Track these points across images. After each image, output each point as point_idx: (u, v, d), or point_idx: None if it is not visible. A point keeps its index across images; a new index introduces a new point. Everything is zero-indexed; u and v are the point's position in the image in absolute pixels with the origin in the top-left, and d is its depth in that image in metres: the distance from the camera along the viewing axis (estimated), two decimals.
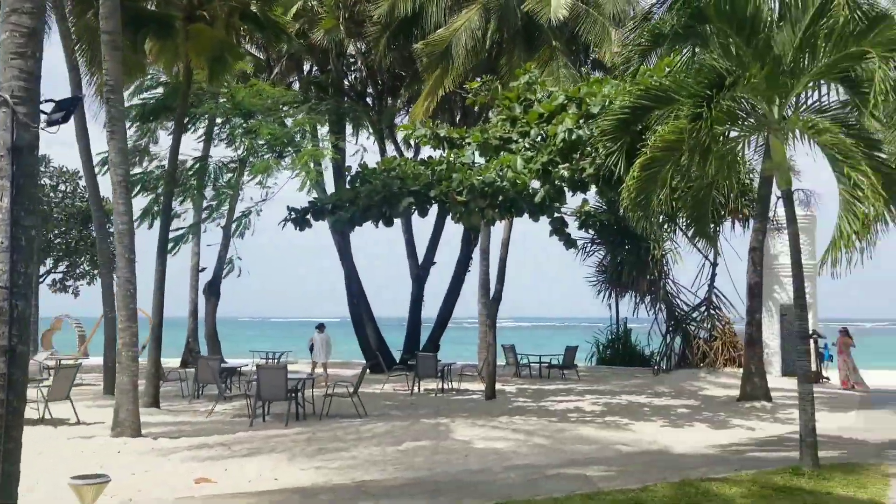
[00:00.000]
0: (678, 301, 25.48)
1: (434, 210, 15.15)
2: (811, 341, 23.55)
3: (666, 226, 24.28)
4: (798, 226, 10.36)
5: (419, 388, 18.60)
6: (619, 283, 25.64)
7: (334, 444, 10.97)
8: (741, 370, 23.44)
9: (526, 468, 9.48)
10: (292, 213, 15.06)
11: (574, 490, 8.08)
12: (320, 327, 20.98)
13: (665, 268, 25.26)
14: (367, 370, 16.68)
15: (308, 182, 18.51)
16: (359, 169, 15.45)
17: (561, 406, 15.67)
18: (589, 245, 25.69)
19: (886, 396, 18.86)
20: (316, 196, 17.99)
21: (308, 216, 15.02)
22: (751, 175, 25.32)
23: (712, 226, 24.97)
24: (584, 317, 30.87)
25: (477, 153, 14.05)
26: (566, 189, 13.99)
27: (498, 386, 19.77)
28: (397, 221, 27.34)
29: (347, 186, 15.66)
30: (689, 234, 12.12)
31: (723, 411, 15.03)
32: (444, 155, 14.81)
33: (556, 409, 15.25)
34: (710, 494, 7.83)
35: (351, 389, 13.74)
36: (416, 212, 13.94)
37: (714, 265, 25.29)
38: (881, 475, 8.76)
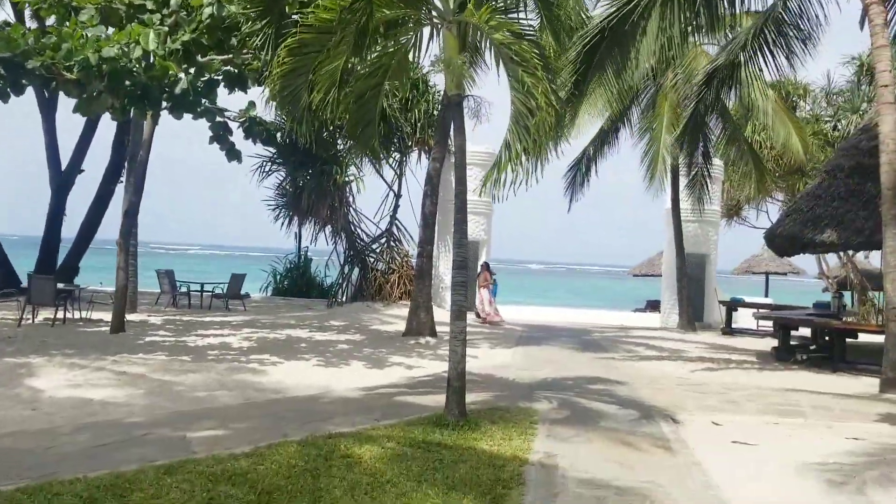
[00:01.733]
0: (359, 231, 24.29)
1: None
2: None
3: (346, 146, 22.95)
4: (468, 158, 9.52)
5: (34, 318, 15.11)
6: (298, 208, 23.66)
7: None
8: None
9: (108, 427, 7.17)
10: None
11: (156, 459, 5.99)
12: None
13: (348, 195, 23.85)
14: None
15: None
16: None
17: (205, 342, 13.41)
18: (268, 164, 23.29)
19: (550, 332, 19.41)
20: None
21: None
22: (438, 105, 24.82)
23: (396, 154, 24.42)
24: (271, 247, 28.26)
25: (98, 21, 10.91)
26: (222, 83, 11.53)
27: (142, 317, 16.96)
28: (37, 116, 22.72)
29: None
30: (352, 143, 10.40)
31: (386, 347, 13.90)
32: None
33: (196, 345, 12.96)
34: (335, 456, 6.23)
35: None
36: (9, 89, 10.51)
37: (398, 196, 24.45)
38: (528, 422, 7.89)
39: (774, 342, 18.88)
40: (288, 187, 23.63)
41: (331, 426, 7.40)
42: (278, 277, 27.93)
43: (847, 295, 32.66)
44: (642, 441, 7.48)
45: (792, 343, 15.69)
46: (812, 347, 14.49)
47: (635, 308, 39.69)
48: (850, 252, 27.63)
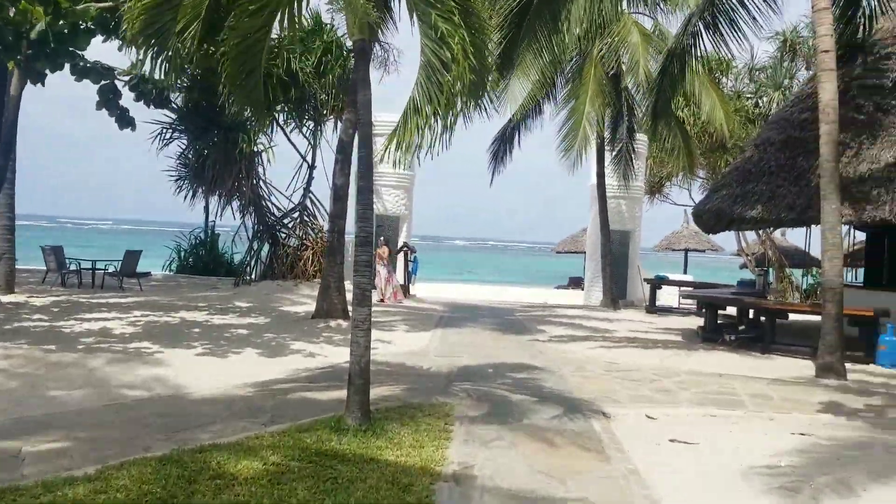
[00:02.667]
0: (269, 204, 22.73)
1: None
2: (402, 255, 22.78)
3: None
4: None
5: None
6: (202, 179, 21.91)
7: None
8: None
9: None
10: None
11: None
12: None
13: (258, 166, 22.25)
14: None
15: None
16: None
17: (83, 328, 11.85)
18: (168, 131, 21.43)
19: (473, 312, 18.46)
20: None
21: None
22: None
23: (310, 123, 22.88)
24: (184, 222, 26.35)
25: None
26: (94, 29, 9.94)
27: (21, 298, 15.16)
28: None
29: None
30: (234, 98, 9.04)
31: (291, 332, 12.64)
32: None
33: (71, 332, 11.40)
34: (202, 477, 5.03)
35: None
36: None
37: (311, 167, 22.97)
38: (444, 423, 6.84)
39: (699, 321, 18.45)
40: (191, 157, 21.86)
41: (206, 435, 6.18)
42: (182, 254, 26.14)
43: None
44: (573, 443, 6.53)
45: (719, 322, 15.19)
46: (741, 328, 13.98)
47: (558, 285, 39.33)
48: (770, 229, 27.73)
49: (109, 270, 19.07)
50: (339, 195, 13.96)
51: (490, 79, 7.91)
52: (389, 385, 8.58)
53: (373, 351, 11.24)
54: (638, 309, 21.92)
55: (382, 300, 19.34)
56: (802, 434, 7.27)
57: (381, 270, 19.54)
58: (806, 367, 11.53)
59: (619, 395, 8.63)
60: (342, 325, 13.63)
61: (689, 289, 24.17)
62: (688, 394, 8.94)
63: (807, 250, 35.81)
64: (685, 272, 34.98)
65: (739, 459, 6.32)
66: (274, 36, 21.48)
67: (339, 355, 10.66)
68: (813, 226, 13.83)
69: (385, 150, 6.55)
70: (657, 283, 21.64)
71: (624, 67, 20.05)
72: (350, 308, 14.16)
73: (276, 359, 10.16)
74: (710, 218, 15.46)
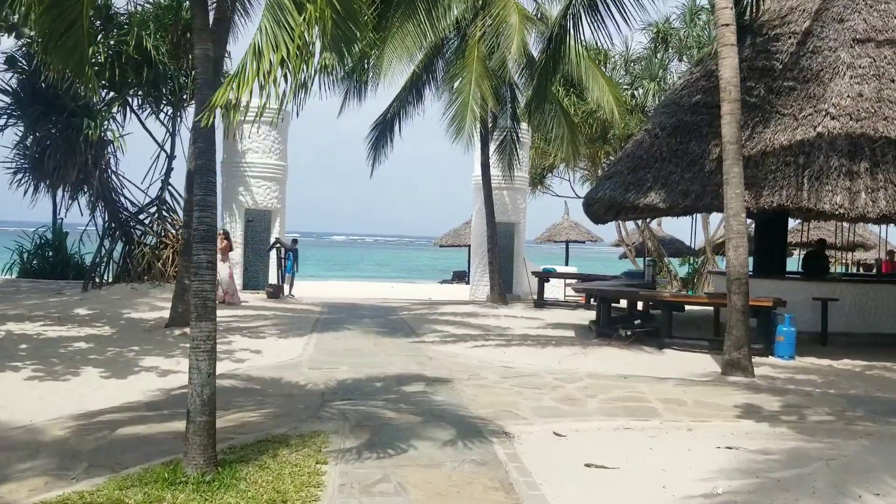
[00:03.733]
0: (123, 199, 20.41)
1: None
2: (273, 251, 21.04)
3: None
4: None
5: None
6: (43, 171, 19.33)
7: None
8: None
9: None
10: None
11: None
12: None
13: (108, 156, 19.89)
14: None
15: None
16: None
17: None
18: (2, 116, 18.72)
19: (353, 312, 17.02)
20: None
21: None
22: None
23: (169, 109, 20.70)
24: (26, 220, 23.29)
25: None
26: None
27: None
28: None
29: None
30: (51, 60, 7.29)
31: (140, 344, 10.83)
32: None
33: None
34: None
35: None
36: None
37: (170, 157, 20.84)
38: (314, 461, 5.47)
39: (589, 315, 17.84)
40: (29, 146, 19.25)
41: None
42: (25, 256, 23.25)
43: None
44: (475, 479, 5.32)
45: (612, 316, 14.50)
46: (637, 322, 13.31)
47: (442, 280, 38.44)
48: (647, 220, 27.83)
49: None
50: (193, 185, 12.18)
51: (361, 37, 6.56)
52: (251, 409, 7.11)
53: (236, 364, 9.70)
54: (526, 303, 21.17)
55: (223, 300, 16.95)
56: (729, 448, 6.39)
57: (223, 269, 17.01)
58: (706, 362, 10.90)
59: (521, 408, 7.53)
60: None
61: (575, 281, 23.76)
62: (595, 402, 7.96)
63: (688, 240, 36.63)
64: (566, 264, 34.86)
65: (670, 487, 5.32)
66: (122, 12, 19.31)
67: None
68: (710, 213, 13.33)
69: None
70: (545, 276, 20.96)
71: (506, 52, 19.18)
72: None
73: (116, 380, 8.43)
74: (600, 207, 14.78)
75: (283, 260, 20.73)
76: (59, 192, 20.86)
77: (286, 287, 20.56)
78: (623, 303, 15.88)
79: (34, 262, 23.24)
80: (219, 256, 17.01)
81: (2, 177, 19.32)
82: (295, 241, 22.26)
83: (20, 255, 23.14)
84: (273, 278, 20.93)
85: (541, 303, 20.00)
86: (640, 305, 16.08)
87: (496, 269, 20.55)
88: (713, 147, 13.24)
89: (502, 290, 20.53)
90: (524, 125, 23.92)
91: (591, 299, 18.69)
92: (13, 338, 11.00)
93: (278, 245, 20.72)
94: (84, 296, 17.63)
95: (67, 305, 15.52)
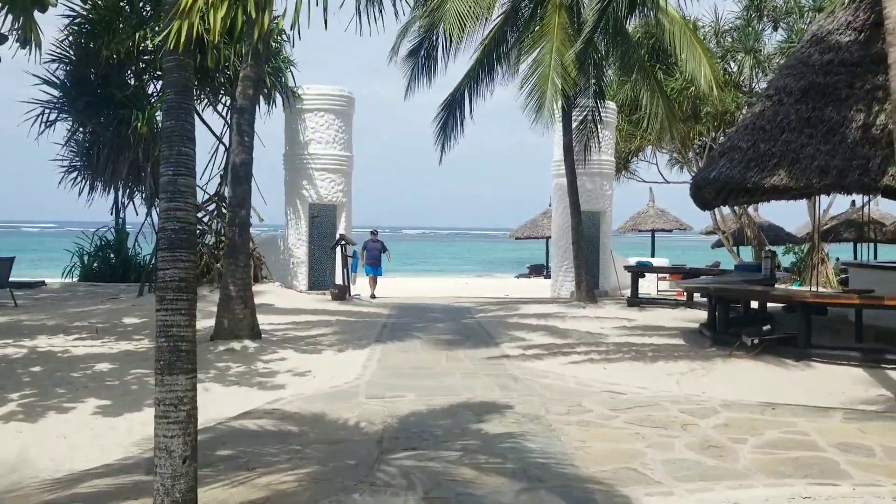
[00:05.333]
0: None
1: None
2: (339, 248, 19.42)
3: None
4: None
5: None
6: (95, 167, 18.16)
7: None
8: (255, 285, 18.33)
9: None
10: None
11: None
12: None
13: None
14: None
15: None
16: None
17: None
18: (50, 111, 17.58)
19: (424, 314, 15.22)
20: None
21: None
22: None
23: (226, 99, 19.24)
24: (94, 220, 22.28)
25: None
26: None
27: None
28: None
29: None
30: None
31: None
32: None
33: None
34: None
35: None
36: None
37: (229, 150, 19.33)
38: None
39: (693, 314, 15.58)
40: (79, 142, 18.13)
41: None
42: (86, 258, 22.37)
43: (746, 251, 30.57)
44: None
45: (731, 317, 12.22)
46: (765, 327, 11.02)
47: (518, 274, 36.38)
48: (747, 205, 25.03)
49: None
50: (238, 176, 10.54)
51: None
52: (283, 468, 5.30)
53: (277, 393, 7.92)
54: (617, 301, 18.95)
55: None
56: None
57: None
58: (865, 381, 8.62)
59: (649, 464, 5.49)
60: (249, 347, 10.27)
61: (666, 276, 21.38)
62: (747, 451, 5.84)
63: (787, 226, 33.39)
64: (653, 254, 32.36)
65: None
66: None
67: (227, 402, 7.38)
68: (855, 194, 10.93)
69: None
70: (639, 270, 18.65)
71: (588, 14, 16.99)
72: (271, 317, 10.86)
73: (122, 417, 6.78)
74: (711, 190, 12.51)
75: (347, 258, 19.08)
76: (116, 190, 19.76)
77: (352, 287, 18.93)
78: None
79: (95, 264, 22.39)
80: None
81: (58, 175, 17.98)
82: (375, 232, 20.68)
83: (80, 258, 22.30)
84: (339, 278, 19.33)
85: (635, 301, 17.75)
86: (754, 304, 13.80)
87: (582, 263, 18.39)
88: (856, 113, 10.85)
89: (590, 287, 18.37)
90: (609, 103, 21.66)
91: (696, 296, 16.40)
92: (30, 356, 9.55)
93: (343, 242, 19.07)
94: (138, 301, 16.36)
95: (116, 314, 14.19)
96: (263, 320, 13.56)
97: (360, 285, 20.75)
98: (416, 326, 13.48)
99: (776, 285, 15.03)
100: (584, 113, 19.21)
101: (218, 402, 7.36)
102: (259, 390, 8.01)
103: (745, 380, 8.80)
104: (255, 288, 17.82)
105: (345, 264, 18.95)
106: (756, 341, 10.56)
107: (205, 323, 12.28)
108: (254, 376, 8.64)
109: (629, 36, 18.13)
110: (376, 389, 7.97)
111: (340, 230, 19.89)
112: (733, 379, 8.83)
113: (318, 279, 20.29)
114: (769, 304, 14.51)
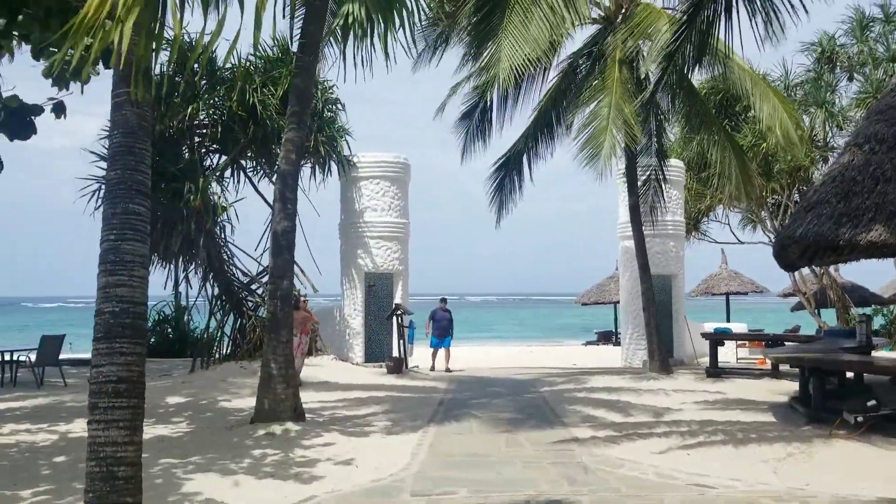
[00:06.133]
0: (235, 269, 18.72)
1: None
2: (395, 318, 18.65)
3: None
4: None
5: None
6: (152, 241, 18.00)
7: None
8: (308, 359, 17.65)
9: None
10: None
11: None
12: None
13: (217, 223, 18.29)
14: None
15: None
16: None
17: None
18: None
19: (484, 388, 14.22)
20: None
21: None
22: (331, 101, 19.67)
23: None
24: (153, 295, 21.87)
25: None
26: None
27: None
28: None
29: None
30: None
31: (204, 452, 8.45)
32: None
33: None
34: None
35: None
36: None
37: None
38: None
39: (780, 386, 14.16)
40: None
41: None
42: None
43: (827, 313, 28.58)
44: None
45: (827, 389, 10.85)
46: (870, 403, 9.66)
47: (587, 341, 34.96)
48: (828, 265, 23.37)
49: (21, 360, 15.07)
50: (279, 245, 9.92)
51: None
52: None
53: (320, 485, 7.01)
54: (693, 371, 17.54)
55: None
56: None
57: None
58: None
59: None
60: (290, 431, 9.43)
61: (746, 343, 19.86)
62: None
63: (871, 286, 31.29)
64: (728, 319, 30.65)
65: None
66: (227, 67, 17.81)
67: (256, 500, 6.52)
68: None
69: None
70: (718, 338, 17.24)
71: (649, 69, 16.21)
72: (320, 394, 10.06)
73: None
74: (797, 249, 11.29)
75: (403, 328, 18.26)
76: (173, 264, 19.55)
77: (409, 360, 18.07)
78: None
79: (153, 339, 22.14)
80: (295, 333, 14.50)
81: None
82: (444, 300, 19.89)
83: None
84: (395, 350, 18.50)
85: (715, 371, 16.31)
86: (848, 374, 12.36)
87: (654, 330, 17.15)
88: None
89: (663, 357, 17.06)
90: (674, 161, 20.70)
91: (779, 366, 14.97)
92: (60, 444, 8.91)
93: (399, 311, 18.31)
94: (189, 378, 15.83)
95: (162, 392, 13.63)
96: (313, 397, 12.82)
97: (419, 356, 19.87)
98: (475, 403, 12.48)
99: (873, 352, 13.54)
100: (648, 172, 18.28)
101: (247, 500, 6.52)
102: (294, 483, 7.14)
103: (856, 468, 7.52)
104: (309, 361, 17.17)
105: (401, 335, 18.14)
106: (860, 419, 9.21)
107: (250, 403, 11.62)
108: (291, 466, 7.78)
109: (695, 90, 17.25)
110: (424, 484, 7.00)
111: (397, 299, 19.17)
112: (840, 466, 7.56)
113: (375, 351, 19.51)
114: (866, 375, 13.05)
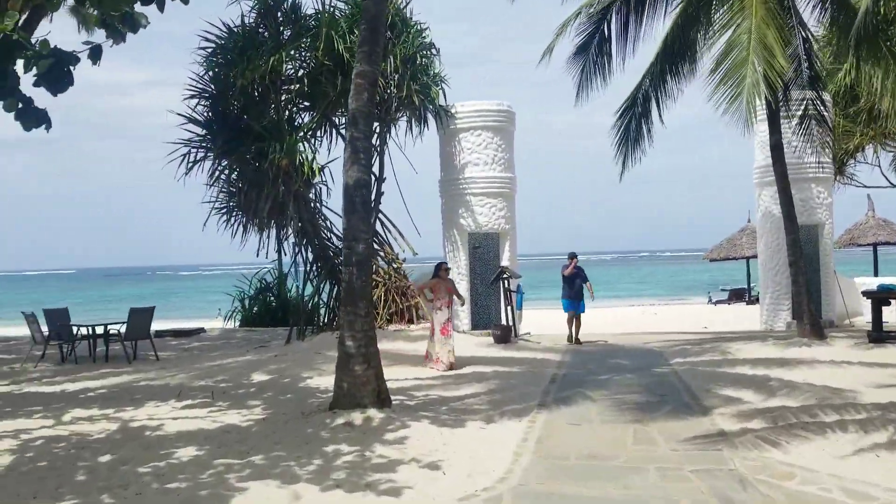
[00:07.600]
0: (329, 234, 17.49)
1: None
2: (501, 283, 17.01)
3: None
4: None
5: None
6: (245, 207, 16.99)
7: None
8: (409, 328, 16.34)
9: None
10: None
11: None
12: None
13: (309, 184, 17.05)
14: None
15: None
16: None
17: None
18: (196, 150, 16.62)
19: (606, 360, 12.43)
20: None
21: None
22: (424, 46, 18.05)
23: (376, 124, 17.46)
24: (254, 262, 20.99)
25: None
26: None
27: None
28: None
29: None
30: None
31: (272, 446, 7.14)
32: None
33: None
34: None
35: None
36: None
37: (380, 179, 17.60)
38: None
39: None
40: (227, 179, 17.07)
41: None
42: (247, 302, 21.59)
43: None
44: None
45: None
46: None
47: (716, 300, 32.15)
48: None
49: (112, 334, 14.48)
50: (352, 202, 8.38)
51: None
52: None
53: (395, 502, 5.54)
54: (849, 334, 15.01)
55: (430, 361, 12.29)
56: None
57: (438, 317, 12.60)
58: None
59: None
60: (372, 419, 7.98)
61: None
62: None
63: None
64: (875, 272, 27.27)
65: None
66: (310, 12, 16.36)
67: None
68: None
69: None
70: (884, 296, 14.57)
71: None
72: (385, 387, 8.58)
73: None
74: None
75: (511, 293, 16.59)
76: (267, 228, 18.56)
77: (519, 327, 16.43)
78: None
79: (255, 308, 21.56)
80: (434, 299, 13.12)
81: (208, 217, 16.86)
82: (574, 255, 16.84)
83: (241, 302, 21.55)
84: (504, 317, 16.89)
85: (878, 335, 13.76)
86: None
87: (802, 288, 14.70)
88: None
89: (815, 319, 14.62)
90: (826, 95, 17.80)
91: None
92: (114, 437, 7.81)
93: (506, 275, 16.64)
94: (284, 350, 14.87)
95: (249, 367, 12.63)
96: (409, 373, 11.47)
97: (528, 322, 18.19)
98: (593, 381, 10.71)
99: None
100: (803, 105, 15.69)
101: None
102: (365, 495, 5.69)
103: None
104: (411, 329, 15.87)
105: (508, 301, 16.49)
106: None
107: (330, 382, 10.07)
108: (366, 470, 6.33)
109: (850, 2, 14.44)
110: (527, 497, 5.37)
111: (504, 261, 17.49)
112: None
113: (483, 317, 17.92)
114: None
